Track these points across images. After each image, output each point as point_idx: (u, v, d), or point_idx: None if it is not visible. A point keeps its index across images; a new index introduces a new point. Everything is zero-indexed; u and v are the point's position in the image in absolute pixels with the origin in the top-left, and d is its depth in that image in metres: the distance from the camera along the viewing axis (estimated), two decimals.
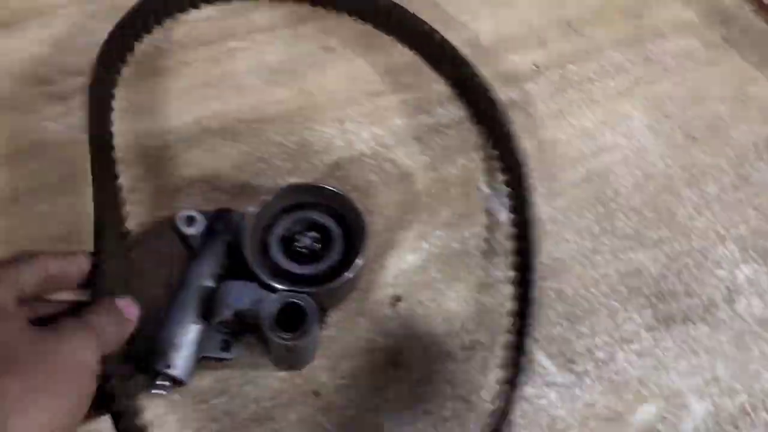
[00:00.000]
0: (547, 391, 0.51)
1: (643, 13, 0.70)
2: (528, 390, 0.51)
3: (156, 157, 0.57)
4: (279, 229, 0.50)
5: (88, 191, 0.47)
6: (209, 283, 0.47)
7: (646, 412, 0.51)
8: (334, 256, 0.49)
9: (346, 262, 0.48)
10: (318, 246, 0.49)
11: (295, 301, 0.45)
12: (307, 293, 0.45)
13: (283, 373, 0.50)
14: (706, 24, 0.71)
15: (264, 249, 0.49)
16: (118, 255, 0.45)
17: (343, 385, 0.50)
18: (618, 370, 0.53)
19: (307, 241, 0.49)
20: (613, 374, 0.53)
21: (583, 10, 0.70)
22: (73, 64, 0.59)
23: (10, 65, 0.60)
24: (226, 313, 0.45)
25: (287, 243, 0.49)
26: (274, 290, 0.45)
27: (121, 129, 0.56)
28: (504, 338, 0.52)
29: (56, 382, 0.34)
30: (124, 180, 0.52)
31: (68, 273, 0.41)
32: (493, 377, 0.51)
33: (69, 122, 0.57)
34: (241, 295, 0.45)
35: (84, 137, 0.51)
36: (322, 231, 0.50)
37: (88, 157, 0.49)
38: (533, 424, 0.50)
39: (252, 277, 0.46)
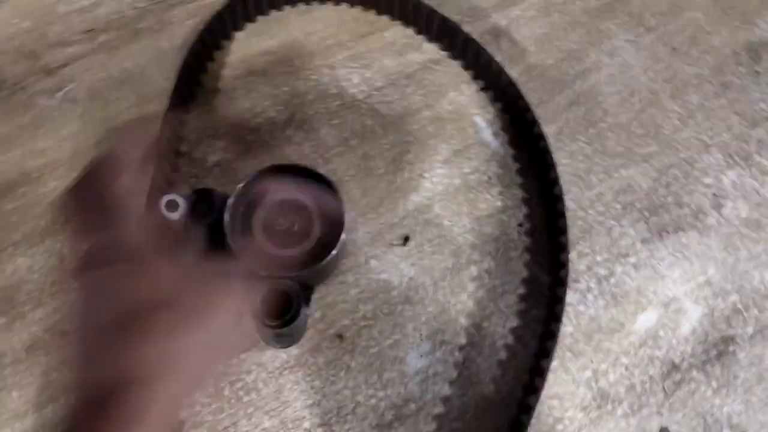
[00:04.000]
0: None
1: None
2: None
3: None
4: (260, 213, 0.48)
5: None
6: None
7: (647, 320, 0.55)
8: (316, 233, 0.48)
9: (328, 238, 0.47)
10: (297, 226, 0.48)
11: (282, 288, 0.44)
12: (293, 276, 0.45)
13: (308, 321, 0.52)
14: None
15: (246, 233, 0.47)
16: None
17: (365, 326, 0.53)
18: (617, 284, 0.56)
19: (286, 222, 0.48)
20: (613, 288, 0.56)
21: None
22: (56, 35, 0.59)
23: None
24: None
25: (269, 225, 0.47)
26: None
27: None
28: (511, 265, 0.55)
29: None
30: None
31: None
32: (503, 303, 0.54)
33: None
34: None
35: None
36: (300, 210, 0.48)
37: None
38: None
39: None
